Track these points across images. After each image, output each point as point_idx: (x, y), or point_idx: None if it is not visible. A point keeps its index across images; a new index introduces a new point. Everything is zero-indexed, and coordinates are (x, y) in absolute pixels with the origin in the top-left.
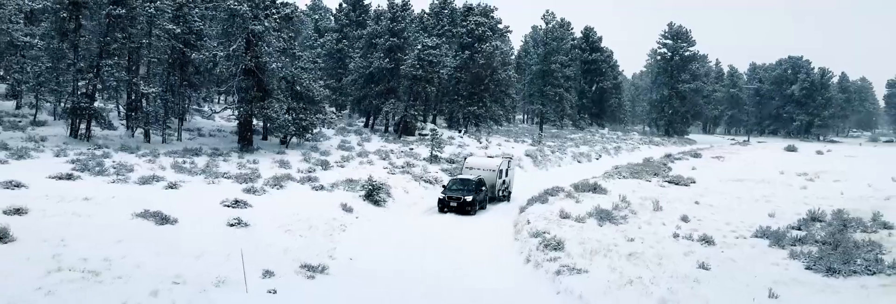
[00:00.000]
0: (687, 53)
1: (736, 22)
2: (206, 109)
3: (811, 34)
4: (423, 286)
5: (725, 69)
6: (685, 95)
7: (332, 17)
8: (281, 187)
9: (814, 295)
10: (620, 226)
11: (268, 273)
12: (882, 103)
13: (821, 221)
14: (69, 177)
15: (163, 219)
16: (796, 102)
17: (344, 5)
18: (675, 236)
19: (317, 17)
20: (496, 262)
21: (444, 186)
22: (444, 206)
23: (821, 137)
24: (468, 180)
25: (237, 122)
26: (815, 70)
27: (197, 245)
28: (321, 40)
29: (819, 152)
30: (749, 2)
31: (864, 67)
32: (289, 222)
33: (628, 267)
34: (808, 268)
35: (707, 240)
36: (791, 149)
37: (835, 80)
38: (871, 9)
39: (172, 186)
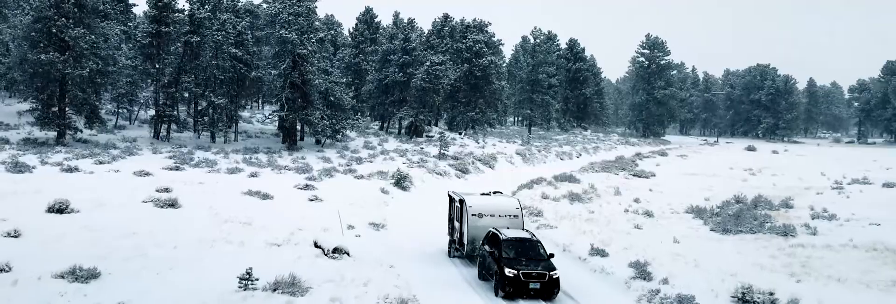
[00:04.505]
0: (663, 62)
1: (721, 27)
2: (245, 114)
3: (792, 40)
4: (439, 234)
5: (701, 76)
6: (661, 100)
7: (348, 34)
8: (331, 176)
9: (705, 242)
10: (586, 204)
11: (350, 227)
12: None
13: (742, 203)
14: (177, 168)
15: (264, 196)
16: (763, 107)
17: (359, 25)
18: (626, 210)
19: (332, 32)
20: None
21: (489, 251)
22: (515, 287)
23: (785, 139)
24: (527, 240)
25: (278, 125)
26: (780, 77)
27: (295, 212)
28: (339, 55)
29: (775, 152)
30: (736, 8)
31: (839, 73)
32: (348, 199)
33: (585, 225)
34: (711, 230)
35: (648, 213)
36: (751, 149)
37: (801, 85)
38: (848, 16)
39: (254, 175)
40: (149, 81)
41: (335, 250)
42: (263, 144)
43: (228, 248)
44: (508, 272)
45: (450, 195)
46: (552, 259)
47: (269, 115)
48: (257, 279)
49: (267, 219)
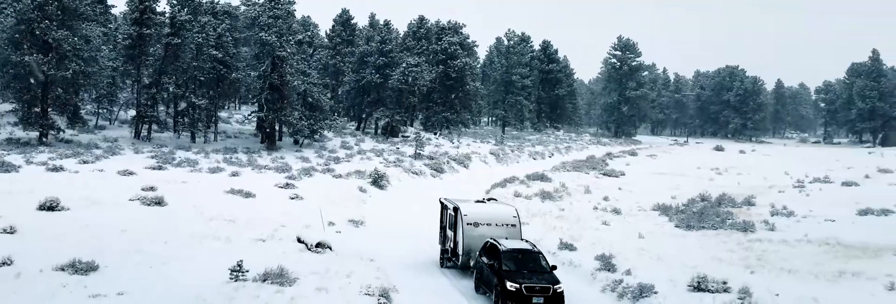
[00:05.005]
0: (634, 63)
1: (693, 29)
2: (223, 115)
3: (762, 42)
4: (417, 231)
5: (672, 77)
6: (632, 101)
7: (325, 35)
8: (310, 175)
9: (668, 237)
10: (557, 202)
11: (331, 224)
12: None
13: (707, 201)
14: (160, 168)
15: (246, 194)
16: (732, 107)
17: (336, 26)
18: (595, 208)
19: (309, 33)
20: None
21: (487, 263)
22: (517, 301)
23: (753, 139)
24: (529, 252)
25: (256, 125)
26: (749, 78)
27: (277, 210)
28: (317, 56)
29: (742, 152)
30: (707, 9)
31: (807, 74)
32: (327, 198)
33: (555, 222)
34: (676, 226)
35: (616, 211)
36: (719, 149)
37: (770, 86)
38: (816, 18)
39: (235, 174)
40: (130, 81)
41: (318, 245)
42: (242, 144)
43: (216, 244)
44: (510, 285)
45: (441, 202)
46: (555, 272)
47: (248, 115)
48: (248, 271)
49: (250, 216)
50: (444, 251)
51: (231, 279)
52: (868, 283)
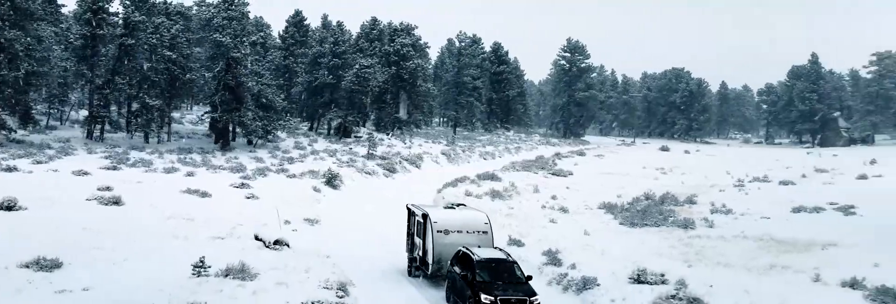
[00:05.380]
0: (583, 65)
1: (642, 31)
2: (175, 115)
3: (708, 44)
4: (373, 229)
5: (620, 78)
6: (581, 102)
7: (278, 36)
8: (265, 175)
9: (613, 234)
10: (506, 201)
11: (287, 222)
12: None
13: (651, 199)
14: (114, 168)
15: (202, 194)
16: (678, 108)
17: (289, 27)
18: (543, 206)
19: (262, 34)
20: None
21: (460, 273)
22: None
23: (698, 139)
24: (503, 262)
25: (209, 126)
26: (694, 80)
27: (233, 209)
28: (270, 56)
29: (687, 152)
30: (656, 12)
31: (750, 76)
32: (282, 197)
33: (505, 220)
34: (620, 224)
35: (564, 209)
36: (665, 149)
37: (715, 88)
38: (761, 21)
39: (190, 174)
40: (82, 82)
41: (276, 243)
42: (196, 144)
43: (176, 241)
44: (485, 298)
45: (409, 208)
46: (531, 282)
47: (202, 116)
48: (209, 267)
49: (208, 215)
50: (412, 260)
51: (194, 274)
52: (796, 275)
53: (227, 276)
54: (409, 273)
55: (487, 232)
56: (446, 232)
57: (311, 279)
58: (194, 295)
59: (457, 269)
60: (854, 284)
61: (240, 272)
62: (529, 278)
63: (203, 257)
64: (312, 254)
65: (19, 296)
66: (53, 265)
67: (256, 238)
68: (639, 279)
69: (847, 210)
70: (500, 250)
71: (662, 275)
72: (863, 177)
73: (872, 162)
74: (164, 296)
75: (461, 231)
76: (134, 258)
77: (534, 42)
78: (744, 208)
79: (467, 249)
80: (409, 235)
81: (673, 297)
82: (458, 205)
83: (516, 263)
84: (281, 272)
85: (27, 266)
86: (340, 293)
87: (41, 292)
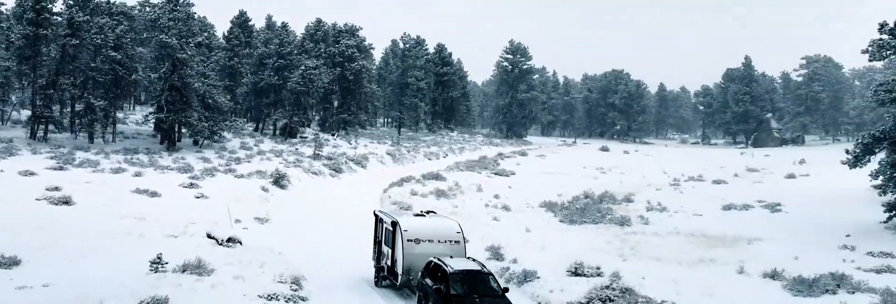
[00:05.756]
0: (525, 67)
1: (582, 33)
2: (119, 115)
3: (648, 46)
4: (322, 228)
5: (561, 80)
6: (523, 103)
7: (222, 37)
8: (213, 175)
9: (553, 231)
10: (451, 200)
11: (238, 221)
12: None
13: (590, 198)
14: (61, 168)
15: (152, 194)
16: (617, 109)
17: (234, 28)
18: (486, 205)
19: (206, 34)
20: (366, 217)
21: (433, 286)
22: None
23: (637, 140)
24: (478, 274)
25: (155, 126)
26: (633, 82)
27: (184, 208)
28: (214, 57)
29: (626, 152)
30: (595, 14)
31: (688, 78)
32: (232, 197)
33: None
34: (560, 221)
35: (506, 207)
36: (605, 149)
37: (653, 89)
38: (698, 25)
39: (138, 174)
40: (24, 82)
41: (229, 240)
42: (142, 144)
43: (130, 240)
44: None
45: (376, 215)
46: (508, 294)
47: (147, 116)
48: (167, 263)
49: (159, 214)
50: (379, 269)
51: (151, 270)
52: (722, 267)
53: (184, 271)
54: (376, 283)
55: (460, 242)
56: (417, 241)
57: (265, 273)
58: (155, 289)
59: (429, 281)
60: (774, 275)
61: (197, 268)
62: (506, 290)
63: (160, 253)
64: (265, 251)
65: None
66: (12, 263)
67: (209, 236)
68: (576, 272)
69: (773, 208)
70: (474, 260)
71: (598, 268)
72: (791, 176)
73: (801, 162)
74: (126, 291)
75: (432, 240)
76: (91, 255)
77: (477, 43)
78: (678, 206)
79: (439, 260)
80: (377, 242)
81: (607, 287)
82: (429, 212)
83: (492, 274)
84: (236, 267)
85: None
86: (294, 287)
87: (2, 288)
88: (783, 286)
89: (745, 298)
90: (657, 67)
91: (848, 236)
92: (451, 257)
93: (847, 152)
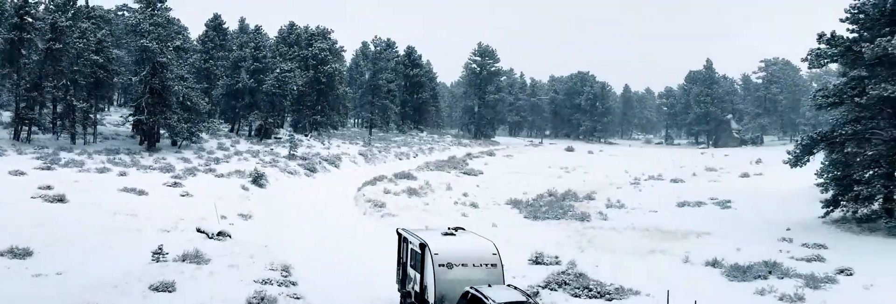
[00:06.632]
0: (493, 69)
1: (549, 35)
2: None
3: (615, 48)
4: (302, 224)
5: (528, 81)
6: (491, 104)
7: (196, 39)
8: (194, 175)
9: (518, 226)
10: (422, 198)
11: (223, 217)
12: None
13: (553, 196)
14: (48, 168)
15: (140, 192)
16: (583, 110)
17: (209, 31)
18: (455, 203)
19: (181, 36)
20: (343, 214)
21: None
22: None
23: (602, 140)
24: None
25: (133, 127)
26: (598, 83)
27: (171, 206)
28: (190, 59)
29: (590, 152)
30: (564, 17)
31: (652, 79)
32: (214, 195)
33: (421, 215)
34: (525, 217)
35: (474, 205)
36: (570, 149)
37: (618, 91)
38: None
39: (123, 174)
40: (7, 84)
41: (219, 234)
42: (122, 145)
43: (128, 234)
44: None
45: (400, 234)
46: None
47: (126, 117)
48: (167, 254)
49: (149, 212)
50: (405, 295)
51: (153, 260)
52: (670, 257)
53: (184, 261)
54: None
55: (497, 265)
56: (449, 266)
57: (256, 263)
58: (161, 276)
59: None
60: (715, 263)
61: (195, 258)
62: None
63: (161, 245)
64: (253, 244)
65: (2, 280)
66: (26, 254)
67: (199, 231)
68: (537, 260)
69: (724, 204)
70: (516, 288)
71: (556, 257)
72: (745, 175)
73: (758, 161)
74: (134, 277)
75: (466, 265)
76: (94, 248)
77: (446, 44)
78: (636, 204)
79: (477, 290)
80: (401, 264)
81: (563, 273)
82: (457, 229)
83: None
84: (229, 258)
85: (2, 254)
86: (285, 274)
87: (21, 275)
88: (722, 272)
89: (686, 282)
90: (623, 69)
91: (788, 229)
92: (490, 284)
93: (789, 152)
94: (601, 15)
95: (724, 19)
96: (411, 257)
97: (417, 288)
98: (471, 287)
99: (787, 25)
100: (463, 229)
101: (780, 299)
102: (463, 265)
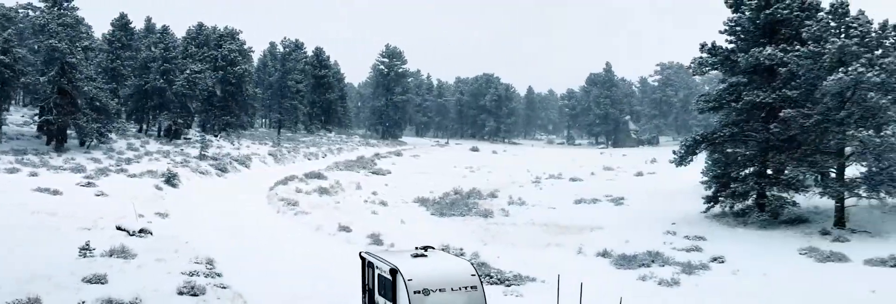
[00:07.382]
0: (400, 70)
1: (455, 37)
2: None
3: (518, 49)
4: (219, 222)
5: (435, 82)
6: (399, 105)
7: (102, 39)
8: (107, 175)
9: (425, 222)
10: (333, 196)
11: (141, 215)
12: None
13: (459, 194)
14: None
15: (54, 192)
16: (488, 111)
17: (116, 31)
18: (365, 201)
19: (86, 34)
20: (258, 214)
21: None
22: None
23: (506, 140)
24: None
25: (39, 127)
26: (503, 85)
27: (88, 205)
28: (96, 59)
29: (495, 152)
30: (476, 17)
31: (555, 80)
32: (129, 194)
33: (333, 212)
34: (432, 214)
35: (383, 203)
36: (475, 150)
37: (522, 92)
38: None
39: (33, 174)
40: None
41: (141, 231)
42: (28, 145)
43: (48, 232)
44: None
45: (363, 257)
46: None
47: (33, 117)
48: (94, 249)
49: (67, 210)
50: None
51: (81, 255)
52: (565, 250)
53: (111, 256)
54: None
55: (477, 287)
56: (426, 292)
57: (181, 257)
58: (91, 269)
59: None
60: (605, 254)
61: (122, 253)
62: None
63: (88, 241)
64: (174, 240)
65: None
66: None
67: (119, 228)
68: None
69: (618, 201)
70: None
71: (461, 250)
72: (639, 174)
73: (652, 161)
74: (65, 271)
75: (444, 289)
76: (18, 245)
77: (354, 45)
78: (536, 201)
79: None
80: (367, 291)
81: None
82: (426, 248)
83: None
84: (154, 253)
85: None
86: (209, 266)
87: None
88: (611, 262)
89: (578, 270)
90: (527, 71)
91: (674, 223)
92: None
93: (674, 152)
94: (506, 19)
95: (626, 23)
96: (379, 284)
97: None
98: None
99: (682, 30)
100: (432, 247)
101: (659, 283)
102: (440, 289)
